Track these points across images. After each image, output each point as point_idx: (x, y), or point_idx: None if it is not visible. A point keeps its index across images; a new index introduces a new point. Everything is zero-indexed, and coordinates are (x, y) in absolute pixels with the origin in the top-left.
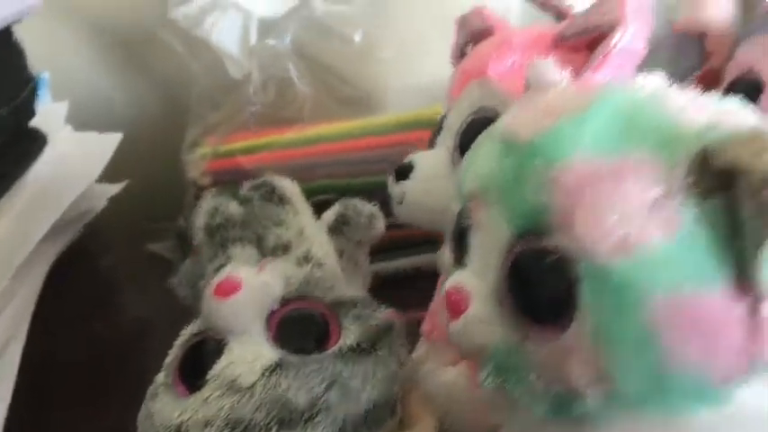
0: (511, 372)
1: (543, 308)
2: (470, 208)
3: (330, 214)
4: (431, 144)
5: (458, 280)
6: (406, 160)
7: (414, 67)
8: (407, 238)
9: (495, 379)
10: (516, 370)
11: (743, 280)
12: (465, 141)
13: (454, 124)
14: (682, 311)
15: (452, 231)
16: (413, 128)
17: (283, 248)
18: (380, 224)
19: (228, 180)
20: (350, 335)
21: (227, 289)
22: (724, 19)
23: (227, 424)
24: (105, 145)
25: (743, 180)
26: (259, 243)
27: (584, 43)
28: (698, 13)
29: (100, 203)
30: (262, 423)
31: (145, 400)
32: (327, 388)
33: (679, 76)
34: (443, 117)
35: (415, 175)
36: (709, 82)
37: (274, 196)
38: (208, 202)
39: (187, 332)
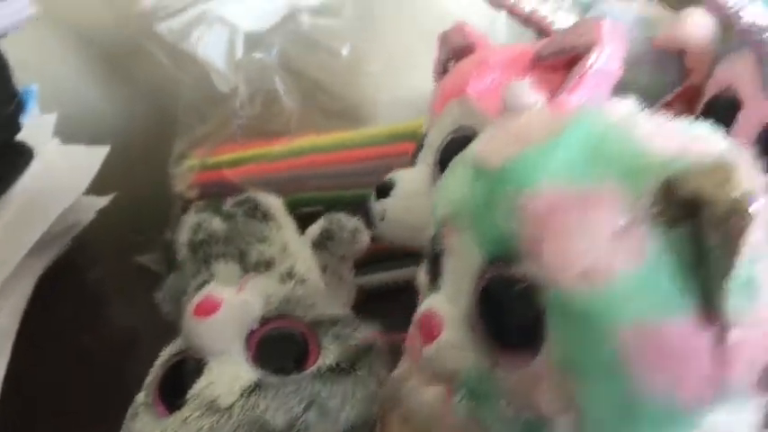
0: (482, 397)
1: (513, 335)
2: (443, 233)
3: (314, 229)
4: (413, 161)
5: (431, 304)
6: (386, 178)
7: (401, 80)
8: (392, 252)
9: (467, 404)
10: (488, 396)
11: (709, 309)
12: (445, 159)
13: (435, 142)
14: (648, 340)
15: (427, 255)
16: (400, 140)
17: (266, 265)
18: (365, 238)
19: (216, 193)
20: (329, 354)
21: (207, 309)
22: (703, 36)
23: None
24: (92, 158)
25: (706, 210)
26: (242, 259)
27: (562, 63)
28: (677, 31)
29: (87, 216)
30: None
31: (125, 419)
32: (306, 408)
33: (659, 92)
34: (424, 135)
35: (396, 193)
36: (689, 98)
37: (257, 212)
38: (191, 218)
39: (167, 352)
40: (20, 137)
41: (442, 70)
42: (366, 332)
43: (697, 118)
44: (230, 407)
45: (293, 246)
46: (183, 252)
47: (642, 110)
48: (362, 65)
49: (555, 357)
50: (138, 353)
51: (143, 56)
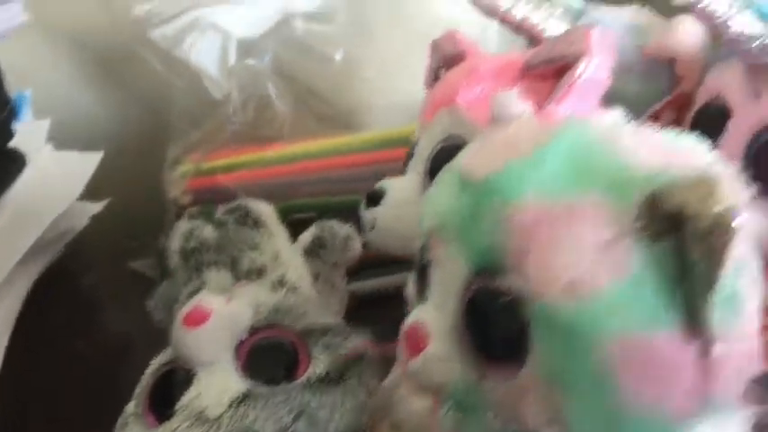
0: (469, 409)
1: (499, 347)
2: (430, 244)
3: (306, 237)
4: (404, 169)
5: (418, 316)
6: (376, 186)
7: (394, 85)
8: (384, 258)
9: (454, 416)
10: (474, 408)
11: (694, 322)
12: (434, 168)
13: (425, 151)
14: (634, 354)
15: (415, 266)
16: (394, 145)
17: (257, 272)
18: (357, 245)
19: (209, 199)
20: (319, 364)
21: (196, 318)
22: (694, 44)
23: None
24: (85, 164)
25: (690, 225)
26: (233, 267)
27: (551, 72)
28: (668, 39)
29: (81, 222)
30: None
31: (115, 429)
32: (295, 419)
33: (650, 100)
34: (415, 143)
35: (386, 202)
36: (680, 106)
37: (249, 219)
38: (183, 226)
39: (157, 361)
40: (13, 143)
41: (434, 78)
42: (357, 341)
43: (688, 126)
44: (219, 418)
45: (285, 253)
46: (174, 260)
47: (628, 121)
48: (356, 70)
49: (541, 370)
50: (132, 359)
51: (136, 61)
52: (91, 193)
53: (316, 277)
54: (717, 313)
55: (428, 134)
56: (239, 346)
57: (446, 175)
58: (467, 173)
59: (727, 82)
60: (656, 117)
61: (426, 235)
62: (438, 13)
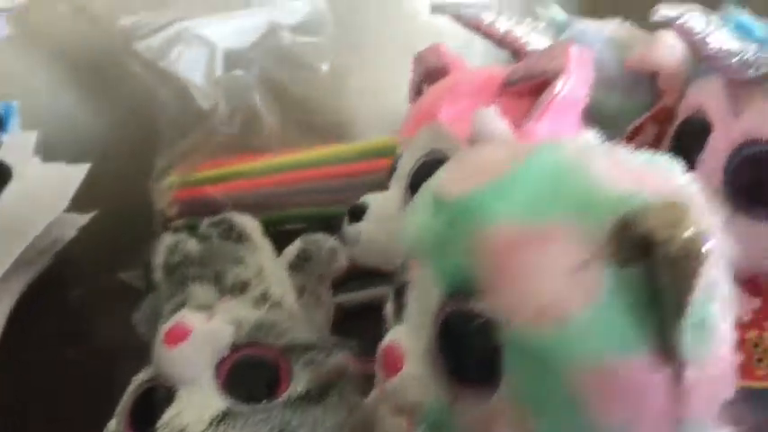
0: (443, 431)
1: (471, 370)
2: (408, 264)
3: (291, 250)
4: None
5: (395, 337)
6: (359, 201)
7: (382, 96)
8: (370, 270)
9: None
10: (448, 429)
11: (665, 347)
12: (416, 183)
13: (407, 165)
14: (605, 378)
15: (394, 285)
16: (382, 155)
17: (241, 287)
18: (342, 258)
19: (196, 210)
20: (300, 382)
21: (176, 336)
22: (676, 57)
23: None
24: (72, 176)
25: (659, 250)
26: (218, 281)
27: (529, 89)
28: (650, 52)
29: (69, 233)
30: None
31: None
32: None
33: (632, 114)
34: (398, 158)
35: (369, 217)
36: (662, 120)
37: (233, 233)
38: (167, 239)
39: (140, 377)
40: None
41: (416, 92)
42: (339, 357)
43: (670, 140)
44: None
45: (269, 268)
46: (158, 274)
47: (604, 140)
48: (343, 81)
49: (513, 394)
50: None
51: (124, 73)
52: (79, 204)
53: (301, 290)
54: (688, 338)
55: (410, 149)
56: (220, 364)
57: (422, 194)
58: (440, 194)
59: (707, 97)
60: (638, 130)
61: (405, 255)
62: (426, 24)
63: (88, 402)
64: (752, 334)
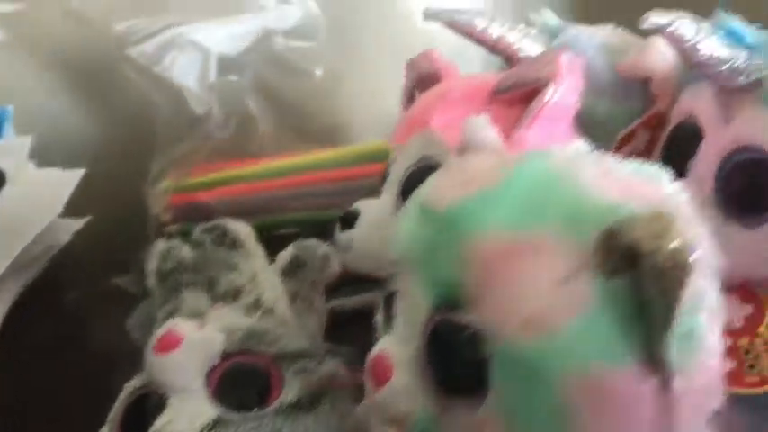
0: None
1: (459, 381)
2: (397, 274)
3: (284, 256)
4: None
5: (383, 346)
6: (351, 208)
7: (376, 101)
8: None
9: None
10: None
11: (652, 358)
12: (407, 190)
13: (399, 172)
14: (592, 389)
15: (384, 294)
16: (376, 159)
17: (234, 294)
18: (335, 264)
19: (191, 215)
20: (291, 389)
21: (167, 344)
22: (668, 63)
23: None
24: (67, 181)
25: (646, 261)
26: (210, 288)
27: (519, 97)
28: (643, 58)
29: (63, 239)
30: None
31: None
32: None
33: (624, 119)
34: (390, 164)
35: (360, 223)
36: (655, 125)
37: (227, 240)
38: (160, 246)
39: (131, 384)
40: None
41: (409, 98)
42: (331, 365)
43: (662, 145)
44: None
45: (262, 274)
46: (151, 280)
47: (593, 149)
48: (336, 86)
49: (501, 405)
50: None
51: (118, 78)
52: (74, 209)
53: (294, 297)
54: (675, 349)
55: (402, 156)
56: (211, 372)
57: (412, 204)
58: (428, 203)
59: (698, 103)
60: (630, 137)
61: (394, 264)
62: (420, 29)
63: (87, 403)
64: (743, 341)
